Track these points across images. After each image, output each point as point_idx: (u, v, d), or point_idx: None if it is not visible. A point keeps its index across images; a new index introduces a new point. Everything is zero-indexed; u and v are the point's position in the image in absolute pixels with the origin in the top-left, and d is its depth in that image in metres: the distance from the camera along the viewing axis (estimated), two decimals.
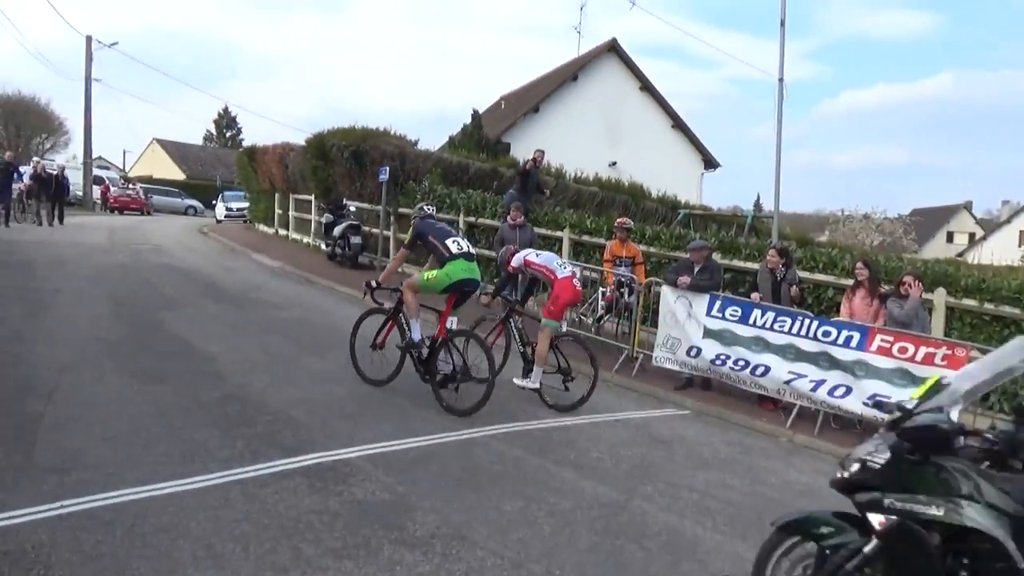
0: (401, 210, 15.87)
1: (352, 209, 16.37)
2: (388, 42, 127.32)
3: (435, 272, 6.68)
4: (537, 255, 7.69)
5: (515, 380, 7.29)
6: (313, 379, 7.06)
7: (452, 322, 6.75)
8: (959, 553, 2.95)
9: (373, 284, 6.99)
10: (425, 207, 7.54)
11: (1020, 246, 38.45)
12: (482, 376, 6.41)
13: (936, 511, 2.96)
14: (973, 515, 2.87)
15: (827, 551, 3.32)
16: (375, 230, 16.20)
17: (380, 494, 4.66)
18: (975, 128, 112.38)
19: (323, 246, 16.69)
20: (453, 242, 6.73)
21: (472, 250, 6.89)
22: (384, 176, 15.61)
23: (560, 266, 7.52)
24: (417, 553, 3.97)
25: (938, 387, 3.27)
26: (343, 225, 15.76)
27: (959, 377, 3.40)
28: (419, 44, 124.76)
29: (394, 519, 4.33)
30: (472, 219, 14.23)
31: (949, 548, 2.97)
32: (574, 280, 7.43)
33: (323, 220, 16.80)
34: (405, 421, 6.09)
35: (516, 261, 7.73)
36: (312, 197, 19.27)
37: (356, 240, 15.60)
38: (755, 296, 8.41)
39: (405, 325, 6.86)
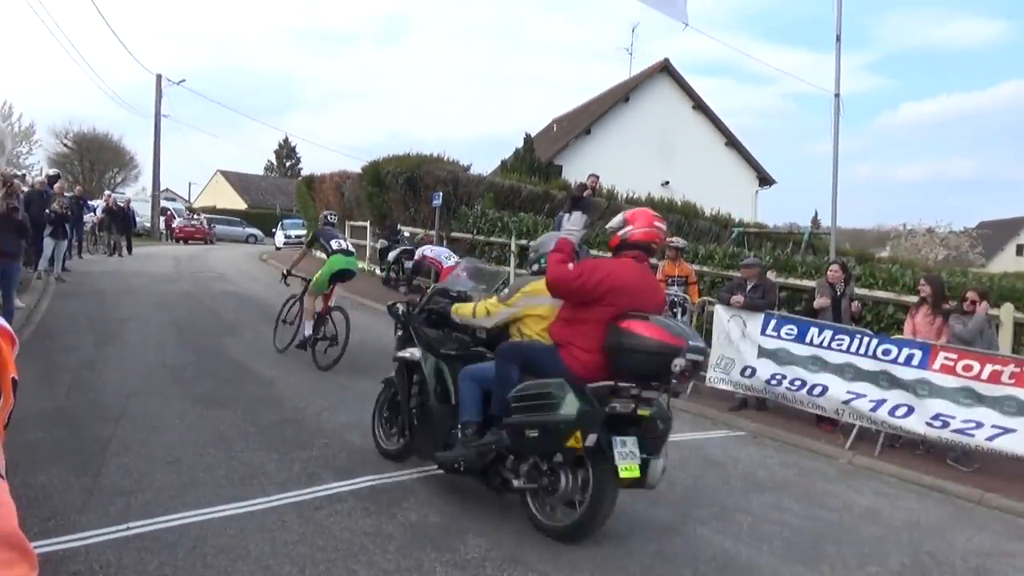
0: (454, 234, 16.10)
1: (406, 234, 16.67)
2: (443, 69, 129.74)
3: (321, 270, 8.75)
4: (432, 250, 9.58)
5: None
6: (368, 402, 7.13)
7: (333, 300, 8.83)
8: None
9: (285, 272, 9.19)
10: (329, 216, 9.85)
11: None
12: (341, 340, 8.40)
13: (406, 354, 5.44)
14: (418, 354, 5.32)
15: (393, 390, 5.68)
16: None
17: (432, 517, 4.71)
18: None
19: (378, 271, 17.03)
20: (336, 242, 8.94)
21: (351, 248, 9.17)
22: (437, 201, 15.89)
23: (446, 258, 9.58)
24: (469, 575, 4.00)
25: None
26: (397, 250, 16.05)
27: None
28: (472, 70, 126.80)
29: (446, 542, 4.37)
30: (524, 242, 14.31)
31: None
32: (456, 269, 9.47)
33: (378, 245, 17.16)
34: None
35: (418, 254, 10.14)
36: (367, 223, 19.70)
37: (410, 264, 15.87)
38: (821, 302, 8.23)
39: (300, 324, 8.86)
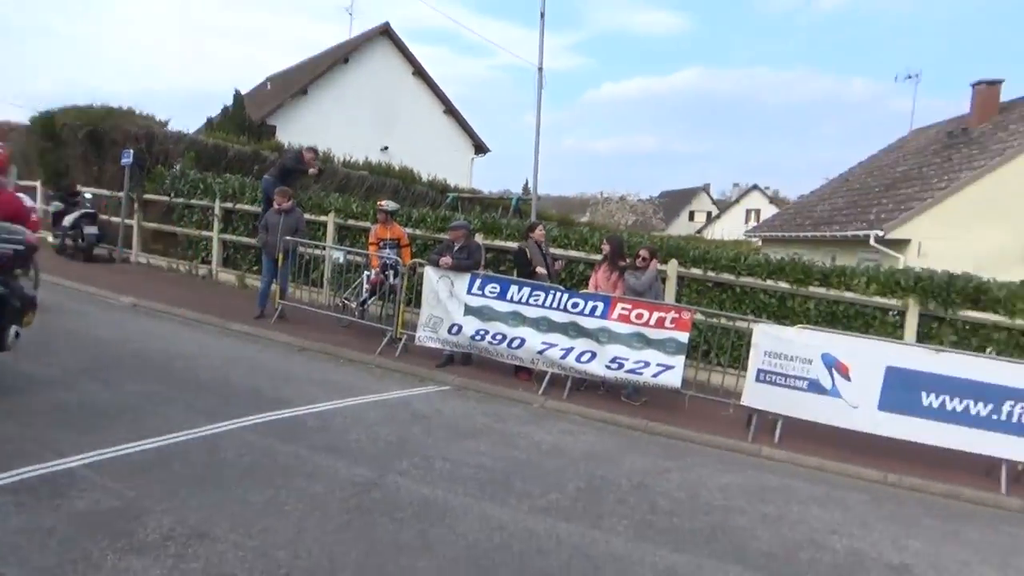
0: (147, 197, 14.56)
1: (88, 196, 14.67)
2: (143, 15, 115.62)
3: None
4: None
5: None
6: (32, 386, 6.26)
7: None
8: None
9: None
10: None
11: (746, 223, 44.00)
12: None
13: None
14: None
15: None
16: (116, 219, 14.68)
17: (107, 502, 4.25)
18: (715, 118, 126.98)
19: (50, 238, 14.78)
20: None
21: None
22: (128, 160, 14.19)
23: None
24: (147, 558, 3.69)
25: None
26: (76, 214, 14.08)
27: None
28: (179, 20, 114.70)
29: (122, 526, 3.97)
30: (229, 205, 13.41)
31: None
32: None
33: (51, 208, 14.87)
34: (142, 422, 5.60)
35: None
36: (38, 183, 17.00)
37: (91, 230, 13.99)
38: (541, 271, 8.83)
39: None
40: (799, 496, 5.89)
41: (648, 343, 7.80)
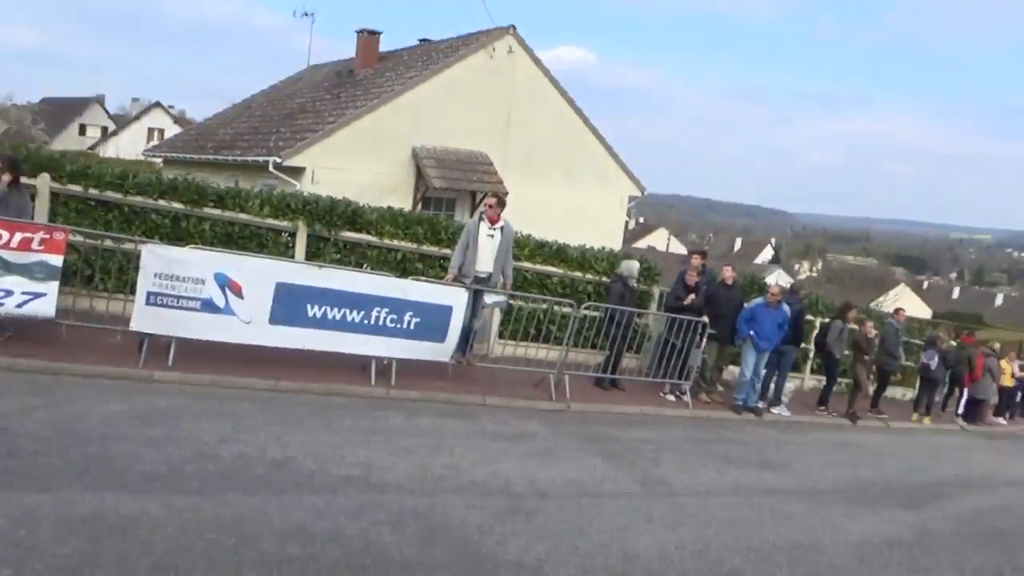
0: None
1: None
2: None
3: None
4: None
5: None
6: None
7: None
8: None
9: None
10: None
11: (148, 142, 41.03)
12: None
13: None
14: None
15: None
16: None
17: None
18: (113, 22, 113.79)
19: None
20: None
21: None
22: None
23: None
24: None
25: None
26: None
27: None
28: None
29: None
30: None
31: None
32: None
33: None
34: None
35: None
36: None
37: None
38: None
39: None
40: (189, 414, 5.85)
41: (10, 268, 6.62)
